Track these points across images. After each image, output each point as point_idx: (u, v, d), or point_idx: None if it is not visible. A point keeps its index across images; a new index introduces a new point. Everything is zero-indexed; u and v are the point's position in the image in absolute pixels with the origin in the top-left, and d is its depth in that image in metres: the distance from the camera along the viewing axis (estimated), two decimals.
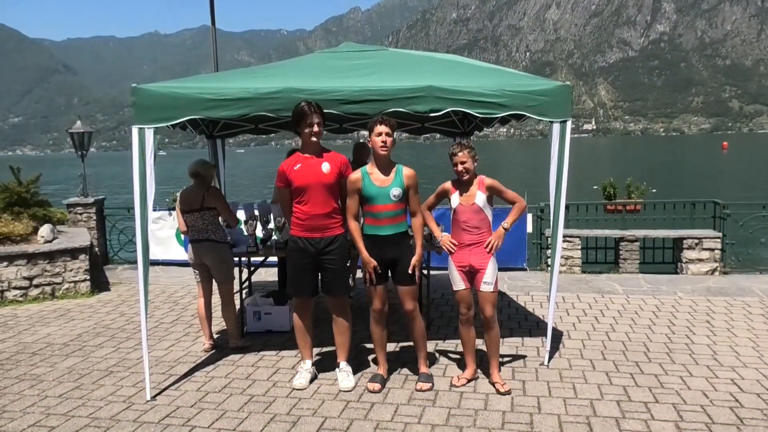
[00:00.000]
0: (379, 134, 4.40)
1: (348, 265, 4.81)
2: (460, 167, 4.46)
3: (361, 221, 4.59)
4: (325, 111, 4.61)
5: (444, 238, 4.64)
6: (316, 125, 4.47)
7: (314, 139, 4.50)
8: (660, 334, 5.86)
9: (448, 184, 4.63)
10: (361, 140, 7.07)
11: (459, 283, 4.56)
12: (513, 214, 4.57)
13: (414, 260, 4.46)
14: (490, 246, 4.46)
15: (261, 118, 6.53)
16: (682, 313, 6.58)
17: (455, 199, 4.55)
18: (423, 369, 4.69)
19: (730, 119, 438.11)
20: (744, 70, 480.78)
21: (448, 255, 4.62)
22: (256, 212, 6.10)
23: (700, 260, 8.63)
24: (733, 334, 5.85)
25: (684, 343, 5.58)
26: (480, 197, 4.47)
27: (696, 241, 8.65)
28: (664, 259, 9.15)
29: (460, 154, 4.45)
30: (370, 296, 4.60)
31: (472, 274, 4.54)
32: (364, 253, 4.48)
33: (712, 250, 8.61)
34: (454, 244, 4.56)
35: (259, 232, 6.15)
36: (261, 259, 6.39)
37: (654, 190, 10.21)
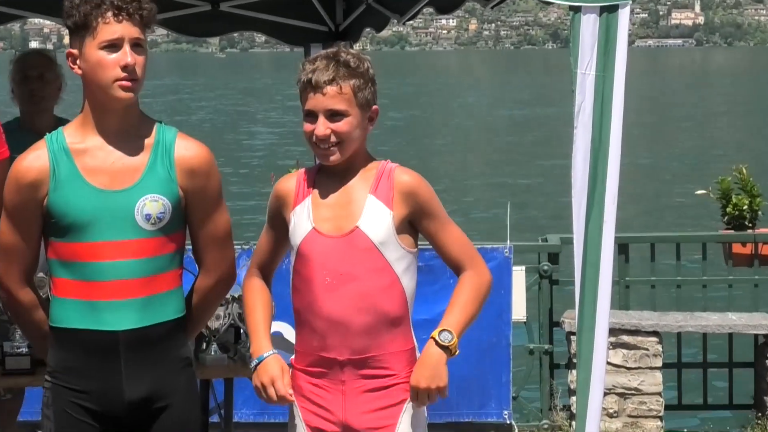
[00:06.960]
0: (113, 45, 2.82)
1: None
2: (321, 128, 2.95)
3: (46, 288, 3.21)
4: None
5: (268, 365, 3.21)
6: None
7: None
8: None
9: (286, 185, 3.16)
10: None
11: None
12: (459, 308, 2.97)
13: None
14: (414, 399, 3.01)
15: None
16: None
17: (302, 218, 3.03)
18: None
19: None
20: None
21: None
22: None
23: None
24: None
25: None
26: (381, 216, 2.95)
27: None
28: None
29: (327, 88, 2.98)
30: None
31: None
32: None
33: None
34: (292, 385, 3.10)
35: None
36: None
37: None
